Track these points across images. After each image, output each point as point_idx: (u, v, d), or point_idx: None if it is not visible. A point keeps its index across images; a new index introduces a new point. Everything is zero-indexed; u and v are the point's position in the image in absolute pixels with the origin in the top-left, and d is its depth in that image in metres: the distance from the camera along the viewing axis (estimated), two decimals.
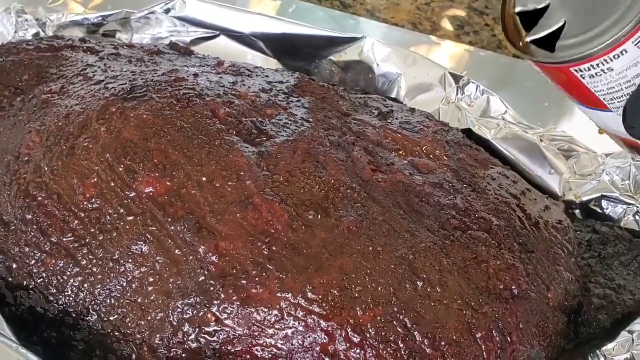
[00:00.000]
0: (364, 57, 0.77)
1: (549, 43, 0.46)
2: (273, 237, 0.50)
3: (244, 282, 0.49)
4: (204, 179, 0.53)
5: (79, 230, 0.53)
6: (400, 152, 0.59)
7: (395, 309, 0.48)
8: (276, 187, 0.52)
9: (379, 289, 0.49)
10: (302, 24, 0.79)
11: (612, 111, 0.48)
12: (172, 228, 0.51)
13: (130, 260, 0.51)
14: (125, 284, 0.51)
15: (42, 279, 0.52)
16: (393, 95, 0.75)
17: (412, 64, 0.75)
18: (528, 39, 0.47)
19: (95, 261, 0.52)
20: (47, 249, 0.53)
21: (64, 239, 0.53)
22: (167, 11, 0.79)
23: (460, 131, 0.66)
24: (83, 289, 0.52)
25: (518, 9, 0.48)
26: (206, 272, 0.49)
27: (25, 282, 0.53)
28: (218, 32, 0.80)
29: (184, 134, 0.55)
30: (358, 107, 0.65)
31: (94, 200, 0.53)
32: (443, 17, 1.01)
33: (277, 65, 0.80)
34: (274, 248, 0.50)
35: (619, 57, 0.44)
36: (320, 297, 0.48)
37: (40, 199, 0.54)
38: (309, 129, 0.57)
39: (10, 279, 0.53)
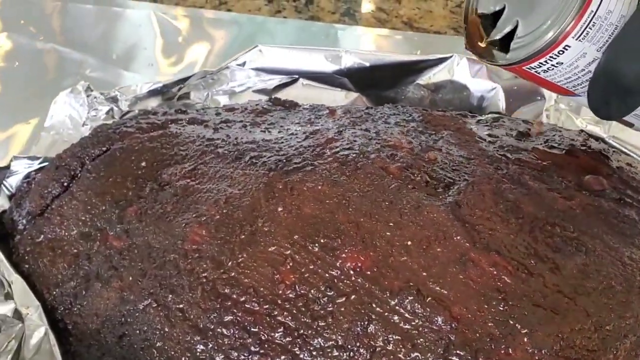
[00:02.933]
0: (455, 75, 0.75)
1: (505, 45, 0.49)
2: (505, 292, 0.48)
3: (491, 345, 0.47)
4: (409, 242, 0.50)
5: (288, 322, 0.49)
6: (565, 173, 0.58)
7: None
8: (485, 238, 0.50)
9: (626, 322, 0.47)
10: (384, 52, 0.77)
11: (580, 95, 0.50)
12: (394, 302, 0.48)
13: (357, 344, 0.48)
14: None
15: None
16: (495, 110, 0.74)
17: (507, 74, 0.74)
18: (484, 43, 0.50)
19: (316, 352, 0.48)
20: (257, 349, 0.49)
21: (275, 335, 0.49)
22: (243, 64, 0.75)
23: (600, 140, 0.65)
24: None
25: (480, 12, 0.51)
26: (447, 343, 0.47)
27: None
28: (297, 76, 0.76)
29: (367, 199, 0.52)
30: (493, 130, 0.63)
31: (296, 286, 0.50)
32: None
33: (360, 98, 0.77)
34: (510, 303, 0.47)
35: (563, 52, 0.47)
36: (574, 345, 0.46)
37: (234, 296, 0.50)
38: (478, 167, 0.56)
39: None
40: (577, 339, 0.46)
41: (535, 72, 0.49)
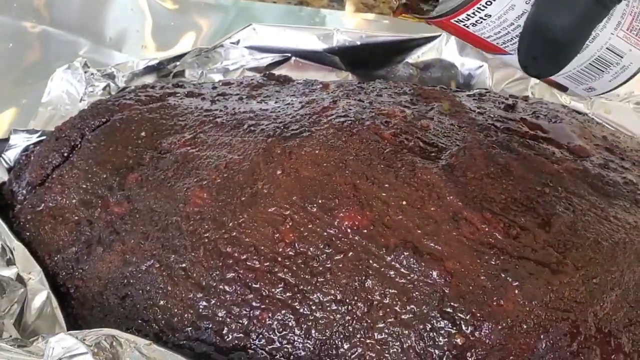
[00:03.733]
0: (444, 54, 0.77)
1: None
2: (496, 247, 0.50)
3: (484, 297, 0.49)
4: (404, 202, 0.52)
5: (288, 278, 0.51)
6: (552, 141, 0.60)
7: (631, 292, 0.49)
8: (477, 197, 0.52)
9: (612, 276, 0.50)
10: (374, 32, 0.79)
11: (511, 54, 0.49)
12: (390, 258, 0.50)
13: (355, 298, 0.50)
14: (355, 323, 0.50)
15: (260, 336, 0.51)
16: (482, 87, 0.76)
17: None
18: None
19: (315, 306, 0.50)
20: (258, 304, 0.51)
21: (276, 290, 0.51)
22: (237, 42, 0.76)
23: (584, 113, 0.67)
24: (310, 337, 0.50)
25: None
26: (442, 295, 0.49)
27: (242, 343, 0.51)
28: (289, 54, 0.78)
29: (363, 162, 0.54)
30: (481, 103, 0.65)
31: (295, 244, 0.51)
32: None
33: (351, 77, 0.79)
34: (502, 258, 0.50)
35: (490, 3, 0.46)
36: (563, 296, 0.48)
37: (236, 254, 0.52)
38: (469, 134, 0.58)
39: (222, 344, 0.51)
40: (566, 291, 0.49)
41: (464, 25, 0.48)
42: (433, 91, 0.65)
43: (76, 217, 0.60)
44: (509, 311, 0.48)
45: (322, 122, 0.57)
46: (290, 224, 0.52)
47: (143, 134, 0.62)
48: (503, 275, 0.49)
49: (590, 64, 0.50)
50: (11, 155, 0.69)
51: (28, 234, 0.61)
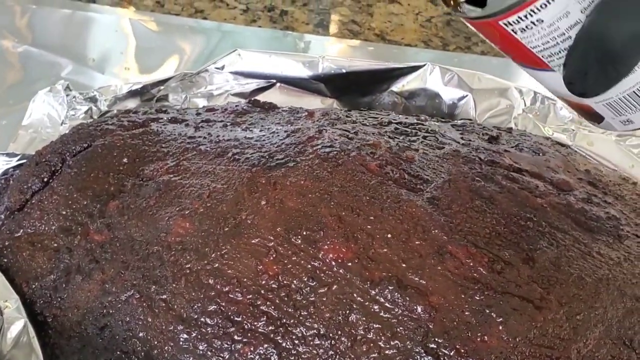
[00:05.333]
0: (428, 83, 0.77)
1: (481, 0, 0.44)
2: (481, 282, 0.50)
3: (468, 333, 0.48)
4: (389, 235, 0.52)
5: (271, 311, 0.50)
6: (535, 174, 0.60)
7: (614, 329, 0.49)
8: (462, 231, 0.52)
9: (596, 312, 0.50)
10: (360, 59, 0.79)
11: (553, 70, 0.46)
12: (374, 292, 0.50)
13: (339, 332, 0.49)
14: (338, 358, 0.49)
15: None
16: (466, 117, 0.76)
17: (478, 84, 0.77)
18: None
19: (298, 340, 0.50)
20: (240, 338, 0.50)
21: (258, 324, 0.50)
22: (222, 67, 0.76)
23: (567, 146, 0.68)
24: None
25: None
26: (426, 331, 0.49)
27: None
28: (274, 80, 0.78)
29: (348, 193, 0.53)
30: (465, 134, 0.65)
31: (279, 277, 0.51)
32: (448, 30, 1.03)
33: (336, 104, 0.79)
34: (486, 293, 0.49)
35: (545, 6, 0.42)
36: (547, 333, 0.48)
37: (218, 286, 0.51)
38: (453, 166, 0.58)
39: None
40: (550, 328, 0.48)
41: (512, 30, 0.44)
42: (417, 122, 0.65)
43: (55, 244, 0.59)
44: (493, 347, 0.48)
45: (307, 152, 0.57)
46: (274, 255, 0.51)
47: (125, 160, 0.61)
48: (487, 311, 0.49)
49: (634, 91, 0.46)
50: None
51: (5, 260, 0.60)
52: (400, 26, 1.03)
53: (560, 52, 0.45)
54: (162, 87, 0.74)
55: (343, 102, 0.79)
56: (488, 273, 0.50)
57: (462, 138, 0.64)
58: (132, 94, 0.74)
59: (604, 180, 0.62)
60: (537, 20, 0.43)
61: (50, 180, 0.62)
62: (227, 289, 0.51)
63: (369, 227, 0.52)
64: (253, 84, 0.78)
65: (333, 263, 0.51)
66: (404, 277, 0.50)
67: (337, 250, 0.51)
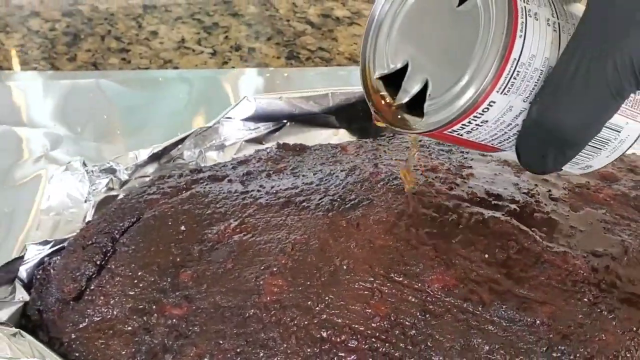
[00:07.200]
0: None
1: (417, 107, 0.43)
2: (584, 284, 0.52)
3: (587, 335, 0.50)
4: (485, 255, 0.53)
5: (390, 352, 0.50)
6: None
7: None
8: (553, 241, 0.54)
9: None
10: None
11: (506, 150, 0.45)
12: (488, 315, 0.51)
13: None
14: None
15: None
16: None
17: None
18: (392, 109, 0.44)
19: None
20: None
21: None
22: (231, 116, 0.75)
23: None
24: None
25: (377, 74, 0.45)
26: (547, 341, 0.50)
27: None
28: (285, 121, 0.78)
29: (432, 221, 0.54)
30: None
31: (391, 316, 0.51)
32: None
33: (347, 133, 0.80)
34: (593, 293, 0.51)
35: (488, 109, 0.41)
36: None
37: (332, 338, 0.51)
38: (513, 176, 0.59)
39: None
40: None
41: (458, 134, 0.43)
42: None
43: (130, 328, 0.56)
44: (611, 343, 0.50)
45: (376, 188, 0.57)
46: (379, 296, 0.51)
47: (182, 227, 0.60)
48: (598, 310, 0.51)
49: (589, 145, 0.45)
50: (23, 270, 0.64)
51: (77, 354, 0.57)
52: None
53: (509, 138, 0.44)
54: (180, 146, 0.72)
55: (354, 130, 0.80)
56: (588, 273, 0.52)
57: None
58: (152, 158, 0.71)
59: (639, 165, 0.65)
60: (481, 122, 0.42)
61: (105, 263, 0.60)
62: (341, 338, 0.51)
63: (463, 251, 0.53)
64: (262, 128, 0.78)
65: (440, 293, 0.51)
66: (513, 293, 0.51)
67: (441, 279, 0.52)
